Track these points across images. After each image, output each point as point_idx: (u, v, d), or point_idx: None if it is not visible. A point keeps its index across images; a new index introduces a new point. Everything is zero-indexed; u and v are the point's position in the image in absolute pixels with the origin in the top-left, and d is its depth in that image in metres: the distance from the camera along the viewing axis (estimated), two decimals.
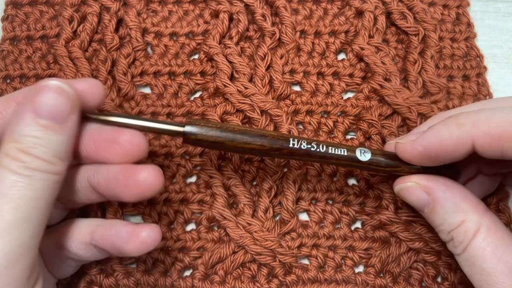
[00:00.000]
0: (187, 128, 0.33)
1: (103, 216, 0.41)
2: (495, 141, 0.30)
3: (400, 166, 0.36)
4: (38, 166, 0.29)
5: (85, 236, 0.35)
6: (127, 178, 0.32)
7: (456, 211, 0.33)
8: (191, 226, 0.43)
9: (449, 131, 0.32)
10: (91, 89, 0.33)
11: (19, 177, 0.28)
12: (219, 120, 0.43)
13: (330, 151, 0.35)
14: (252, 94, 0.43)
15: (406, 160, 0.35)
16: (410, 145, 0.34)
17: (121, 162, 0.33)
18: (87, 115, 0.33)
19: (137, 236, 0.33)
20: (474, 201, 0.34)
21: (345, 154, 0.35)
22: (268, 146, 0.34)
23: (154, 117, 0.44)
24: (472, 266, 0.32)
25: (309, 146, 0.34)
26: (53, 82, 0.30)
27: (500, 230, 0.33)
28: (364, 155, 0.35)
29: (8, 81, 0.46)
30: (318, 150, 0.34)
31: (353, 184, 0.43)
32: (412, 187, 0.35)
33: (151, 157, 0.43)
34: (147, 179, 0.32)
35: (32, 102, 0.30)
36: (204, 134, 0.33)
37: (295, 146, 0.34)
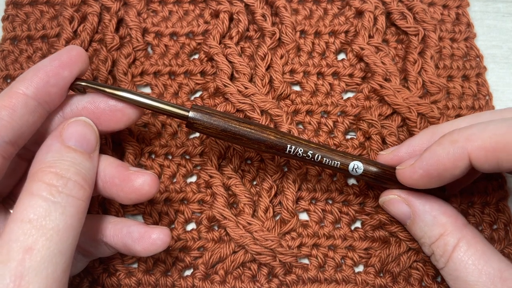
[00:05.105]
0: (192, 114, 0.34)
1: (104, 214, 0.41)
2: (490, 153, 0.30)
3: (388, 182, 0.37)
4: (70, 191, 0.29)
5: (97, 233, 0.35)
6: (124, 184, 0.33)
7: (435, 224, 0.34)
8: (191, 226, 0.43)
9: (445, 149, 0.32)
10: (80, 56, 0.34)
11: (51, 205, 0.28)
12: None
13: (324, 162, 0.36)
14: (252, 94, 0.43)
15: (409, 185, 0.35)
16: (410, 170, 0.34)
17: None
18: (95, 86, 0.34)
19: (148, 238, 0.34)
20: (453, 214, 0.35)
21: (338, 167, 0.36)
22: (264, 150, 0.35)
23: (154, 117, 0.44)
24: (455, 280, 0.33)
25: (304, 155, 0.35)
26: (82, 118, 0.33)
27: (480, 242, 0.33)
28: (355, 171, 0.36)
29: (8, 81, 0.46)
30: (312, 159, 0.35)
31: (353, 184, 0.43)
32: (393, 199, 0.37)
33: (151, 157, 0.44)
34: (143, 187, 0.33)
35: (61, 132, 0.31)
36: (207, 123, 0.34)
37: (291, 153, 0.35)
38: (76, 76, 0.34)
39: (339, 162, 0.36)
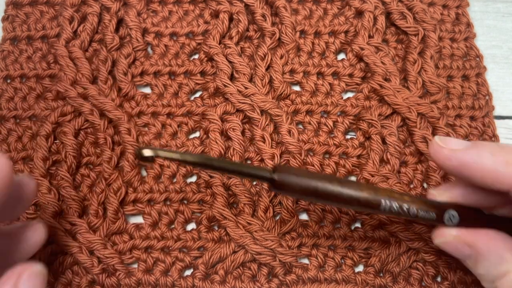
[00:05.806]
0: (276, 176, 0.30)
1: (104, 214, 0.41)
2: None
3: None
4: None
5: None
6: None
7: (501, 262, 0.32)
8: (191, 226, 0.43)
9: (495, 164, 0.29)
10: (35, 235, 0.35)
11: None
12: (219, 120, 0.43)
13: (419, 215, 0.32)
14: (252, 94, 0.43)
15: (436, 163, 0.32)
16: (448, 153, 0.31)
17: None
18: (161, 153, 0.29)
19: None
20: None
21: (433, 218, 0.32)
22: (356, 207, 0.32)
23: (155, 117, 0.44)
24: None
25: (400, 211, 0.32)
26: (37, 268, 0.30)
27: None
28: (451, 221, 0.33)
29: (8, 81, 0.46)
30: (407, 213, 0.32)
31: None
32: (453, 241, 0.34)
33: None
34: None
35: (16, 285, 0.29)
36: (295, 184, 0.30)
37: (385, 210, 0.32)
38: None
39: (435, 213, 0.32)
